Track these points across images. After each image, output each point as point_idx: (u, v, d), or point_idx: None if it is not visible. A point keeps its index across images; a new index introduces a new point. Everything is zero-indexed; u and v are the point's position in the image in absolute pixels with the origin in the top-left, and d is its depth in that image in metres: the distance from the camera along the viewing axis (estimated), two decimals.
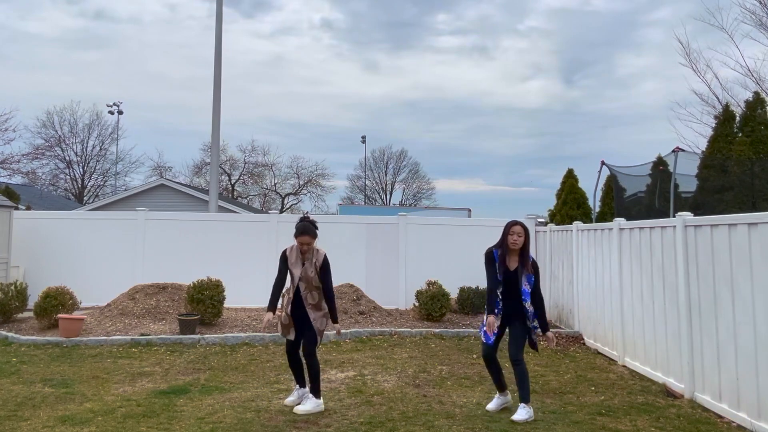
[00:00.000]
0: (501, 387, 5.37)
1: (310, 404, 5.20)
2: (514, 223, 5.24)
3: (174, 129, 62.25)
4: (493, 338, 5.21)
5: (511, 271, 5.20)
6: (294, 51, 64.29)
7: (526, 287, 5.16)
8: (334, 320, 5.43)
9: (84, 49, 57.45)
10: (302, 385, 5.47)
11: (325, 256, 5.35)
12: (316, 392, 5.26)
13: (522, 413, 5.01)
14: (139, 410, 5.22)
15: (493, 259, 5.23)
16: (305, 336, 5.30)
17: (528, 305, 5.15)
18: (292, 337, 5.35)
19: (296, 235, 5.28)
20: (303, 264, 5.30)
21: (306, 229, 5.23)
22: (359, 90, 65.78)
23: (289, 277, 5.40)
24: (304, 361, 5.33)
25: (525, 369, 5.12)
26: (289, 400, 5.44)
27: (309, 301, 5.28)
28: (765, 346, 4.68)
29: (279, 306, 5.34)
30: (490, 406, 5.34)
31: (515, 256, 5.23)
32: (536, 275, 5.24)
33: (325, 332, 5.46)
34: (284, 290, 5.45)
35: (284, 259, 5.40)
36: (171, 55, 59.54)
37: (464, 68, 66.05)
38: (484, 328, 5.23)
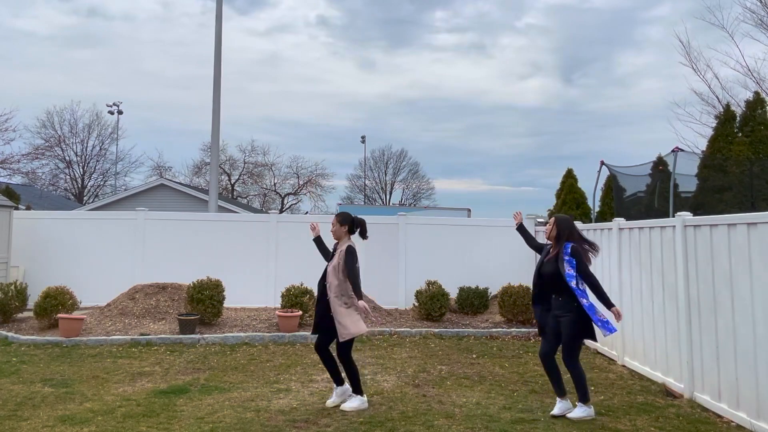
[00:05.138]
0: (561, 392, 5.23)
1: (355, 402, 5.32)
2: (551, 215, 5.41)
3: (173, 129, 62.28)
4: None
5: (544, 261, 5.38)
6: (290, 49, 64.08)
7: (569, 271, 5.11)
8: (359, 297, 5.33)
9: (79, 47, 57.42)
10: (340, 383, 5.50)
11: (348, 246, 5.46)
12: (357, 390, 5.39)
13: (578, 412, 5.10)
14: (138, 410, 5.23)
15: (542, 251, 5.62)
16: (328, 336, 5.43)
17: (574, 284, 5.06)
18: (314, 332, 5.56)
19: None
20: (333, 254, 5.56)
21: (337, 215, 5.71)
22: (357, 89, 65.72)
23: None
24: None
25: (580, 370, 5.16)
26: (331, 401, 5.44)
27: (332, 293, 5.37)
28: (764, 346, 4.69)
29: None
30: (555, 411, 5.18)
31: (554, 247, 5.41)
32: (578, 258, 5.17)
33: (358, 328, 5.38)
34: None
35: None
36: (167, 54, 59.39)
37: (462, 66, 65.93)
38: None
